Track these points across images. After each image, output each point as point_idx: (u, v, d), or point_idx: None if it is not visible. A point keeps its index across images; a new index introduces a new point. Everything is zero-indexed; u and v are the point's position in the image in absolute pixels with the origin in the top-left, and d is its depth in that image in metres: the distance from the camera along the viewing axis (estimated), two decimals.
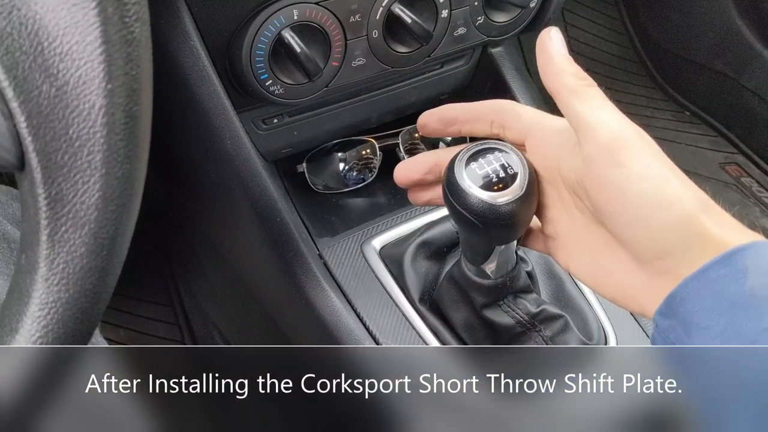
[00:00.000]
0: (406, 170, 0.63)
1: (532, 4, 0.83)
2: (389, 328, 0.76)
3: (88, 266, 0.36)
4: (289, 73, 0.72)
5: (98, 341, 0.69)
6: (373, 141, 0.92)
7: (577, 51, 1.79)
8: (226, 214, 0.85)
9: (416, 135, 0.95)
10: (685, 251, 0.46)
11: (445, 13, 0.77)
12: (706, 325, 0.43)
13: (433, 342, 0.75)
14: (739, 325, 0.42)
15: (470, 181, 0.55)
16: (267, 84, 0.71)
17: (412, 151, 0.95)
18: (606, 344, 0.77)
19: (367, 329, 0.76)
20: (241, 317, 1.14)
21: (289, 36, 0.69)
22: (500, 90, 0.94)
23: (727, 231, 0.45)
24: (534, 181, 0.56)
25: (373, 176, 0.92)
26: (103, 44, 0.33)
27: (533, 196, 0.56)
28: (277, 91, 0.72)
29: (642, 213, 0.46)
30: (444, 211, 0.85)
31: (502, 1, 0.81)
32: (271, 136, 0.84)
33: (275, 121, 0.83)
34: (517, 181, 0.55)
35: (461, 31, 0.80)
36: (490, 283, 0.66)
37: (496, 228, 0.57)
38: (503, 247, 0.62)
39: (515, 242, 0.62)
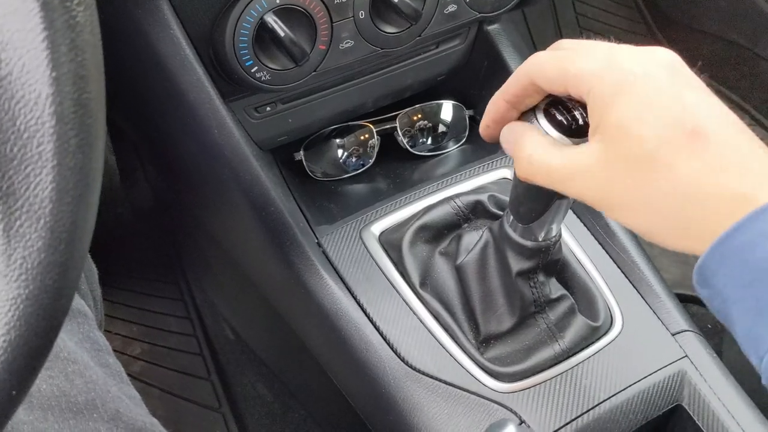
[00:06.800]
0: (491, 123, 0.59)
1: None
2: (390, 314, 0.75)
3: (46, 261, 0.35)
4: (274, 59, 0.71)
5: (96, 335, 0.68)
6: (371, 126, 0.91)
7: (585, 27, 1.76)
8: (221, 206, 0.84)
9: (415, 117, 0.93)
10: None
11: None
12: (738, 297, 0.41)
13: (434, 326, 0.73)
14: (765, 298, 0.40)
15: (550, 126, 0.53)
16: (253, 71, 0.70)
17: (411, 135, 0.93)
18: (612, 326, 0.76)
19: (368, 316, 0.75)
20: (249, 309, 1.13)
21: (273, 20, 0.68)
22: (498, 69, 0.92)
23: (746, 179, 0.42)
24: None
25: (372, 161, 0.91)
26: (45, 30, 0.32)
27: None
28: (263, 78, 0.71)
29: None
30: (442, 194, 0.83)
31: None
32: (265, 124, 0.83)
33: (268, 109, 0.82)
34: None
35: (452, 8, 0.79)
36: (534, 245, 0.65)
37: None
38: (562, 202, 0.61)
39: (571, 201, 0.61)
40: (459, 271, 0.72)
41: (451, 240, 0.76)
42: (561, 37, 1.74)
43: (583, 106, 0.51)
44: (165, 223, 1.26)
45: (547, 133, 0.53)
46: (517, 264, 0.67)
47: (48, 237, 0.34)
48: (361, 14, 0.73)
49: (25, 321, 0.35)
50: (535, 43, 1.71)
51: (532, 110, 0.55)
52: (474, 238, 0.73)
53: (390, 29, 0.76)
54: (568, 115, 0.53)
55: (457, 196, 0.80)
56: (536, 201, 0.62)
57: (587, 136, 0.50)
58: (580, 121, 0.53)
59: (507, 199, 0.80)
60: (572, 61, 0.49)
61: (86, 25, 0.33)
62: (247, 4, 0.67)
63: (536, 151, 0.51)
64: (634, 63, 0.46)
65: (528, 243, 0.65)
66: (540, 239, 0.65)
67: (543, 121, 0.53)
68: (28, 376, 0.37)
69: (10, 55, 0.32)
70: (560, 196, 0.59)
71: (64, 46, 0.32)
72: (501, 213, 0.78)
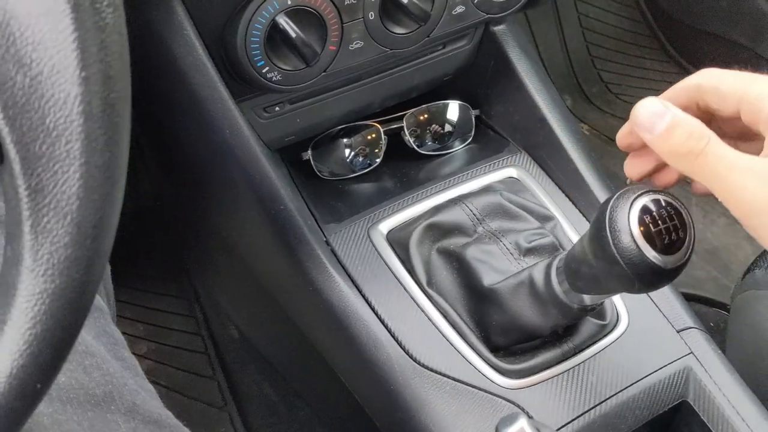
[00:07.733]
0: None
1: None
2: (398, 311, 0.76)
3: (73, 256, 0.35)
4: (286, 59, 0.71)
5: (112, 330, 0.68)
6: (378, 126, 0.91)
7: (587, 27, 1.77)
8: (231, 205, 0.85)
9: (421, 117, 0.94)
10: None
11: None
12: None
13: (442, 323, 0.74)
14: None
15: (639, 233, 0.52)
16: (264, 71, 0.71)
17: (418, 135, 0.94)
18: (618, 323, 0.76)
19: (376, 313, 0.76)
20: (254, 307, 1.14)
21: (284, 21, 0.68)
22: (504, 69, 0.93)
23: None
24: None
25: (379, 161, 0.92)
26: (75, 31, 0.32)
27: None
28: (274, 78, 0.72)
29: None
30: (449, 193, 0.84)
31: None
32: (273, 124, 0.84)
33: (276, 109, 0.83)
34: (686, 244, 0.53)
35: (460, 9, 0.79)
36: (579, 308, 0.64)
37: (649, 284, 0.54)
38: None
39: None
40: (486, 292, 0.71)
41: (463, 243, 0.76)
42: (563, 36, 1.75)
43: (678, 222, 0.51)
44: (169, 222, 1.27)
45: (630, 228, 0.51)
46: (556, 320, 0.67)
47: (74, 233, 0.35)
48: (371, 15, 0.74)
49: (51, 315, 0.36)
50: (537, 42, 1.71)
51: (635, 195, 0.53)
52: (493, 250, 0.73)
53: (399, 30, 0.77)
54: (662, 227, 0.52)
55: (467, 198, 0.80)
56: (601, 287, 0.59)
57: (670, 254, 0.51)
58: (673, 237, 0.52)
59: (519, 199, 0.81)
60: (752, 83, 0.47)
61: (115, 27, 0.34)
62: (259, 6, 0.67)
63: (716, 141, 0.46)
64: None
65: (574, 306, 0.64)
66: (586, 303, 0.64)
67: (634, 212, 0.52)
68: (52, 369, 0.38)
69: (41, 55, 0.33)
70: (639, 288, 0.55)
71: (93, 47, 0.33)
72: (518, 211, 0.78)
